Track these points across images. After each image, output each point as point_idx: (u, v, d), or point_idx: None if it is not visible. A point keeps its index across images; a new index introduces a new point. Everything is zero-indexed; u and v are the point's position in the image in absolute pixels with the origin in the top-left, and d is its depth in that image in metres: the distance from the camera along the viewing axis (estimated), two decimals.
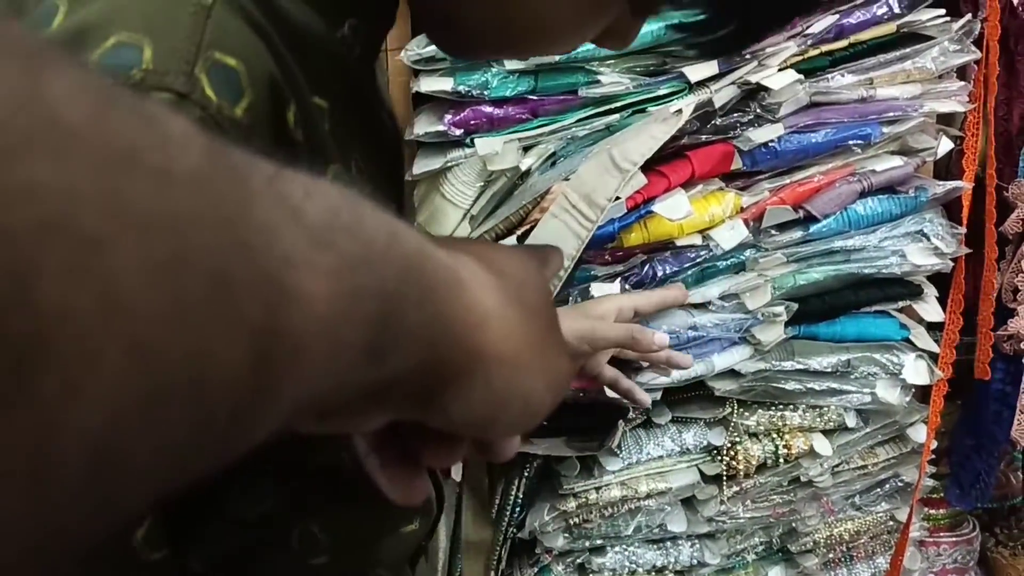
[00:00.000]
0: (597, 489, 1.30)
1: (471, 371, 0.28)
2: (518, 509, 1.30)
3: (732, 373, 1.31)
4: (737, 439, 1.35)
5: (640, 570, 1.38)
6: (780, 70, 1.20)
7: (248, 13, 0.35)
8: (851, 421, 1.39)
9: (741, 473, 1.35)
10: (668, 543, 1.40)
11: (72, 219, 0.15)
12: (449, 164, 1.16)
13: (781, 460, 1.36)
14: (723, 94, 1.18)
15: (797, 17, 0.53)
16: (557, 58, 1.12)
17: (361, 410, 0.28)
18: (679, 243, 1.22)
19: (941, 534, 1.66)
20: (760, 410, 1.36)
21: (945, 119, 1.38)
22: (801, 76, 1.21)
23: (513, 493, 1.29)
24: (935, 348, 1.39)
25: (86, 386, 0.15)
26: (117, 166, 0.16)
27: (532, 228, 1.14)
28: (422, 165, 1.18)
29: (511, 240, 1.15)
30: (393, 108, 0.53)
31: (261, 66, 0.34)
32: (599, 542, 1.36)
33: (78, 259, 0.15)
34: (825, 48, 1.24)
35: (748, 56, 1.20)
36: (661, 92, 1.19)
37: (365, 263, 0.22)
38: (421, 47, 1.11)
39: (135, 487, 0.17)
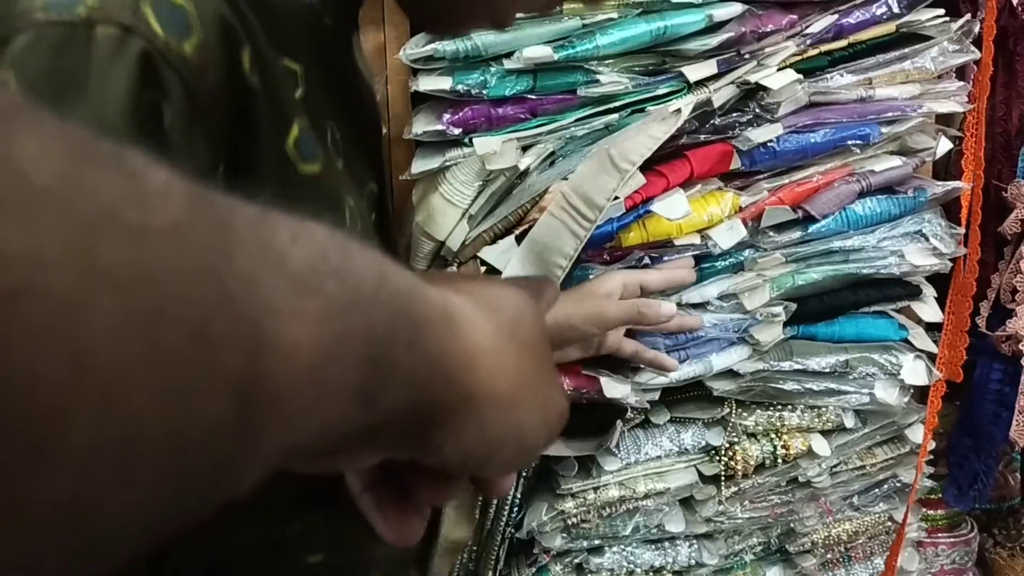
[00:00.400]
0: (595, 489, 1.30)
1: (464, 411, 0.28)
2: (516, 509, 1.30)
3: (730, 373, 1.31)
4: (735, 439, 1.35)
5: (638, 570, 1.38)
6: (779, 70, 1.20)
7: None
8: (849, 421, 1.39)
9: (739, 473, 1.35)
10: (666, 543, 1.40)
11: (41, 285, 0.14)
12: (447, 163, 1.16)
13: (779, 460, 1.36)
14: (722, 94, 1.18)
15: None
16: (556, 57, 1.12)
17: (352, 451, 0.27)
18: (678, 243, 1.22)
19: (939, 535, 1.66)
20: (758, 410, 1.36)
21: (944, 119, 1.37)
22: (800, 76, 1.21)
23: (511, 493, 1.28)
24: (933, 349, 1.39)
25: (53, 448, 0.15)
26: (91, 227, 0.15)
27: (530, 227, 1.14)
28: (420, 164, 1.17)
29: (509, 239, 1.15)
30: (374, 87, 0.53)
31: (211, 6, 0.33)
32: (597, 542, 1.36)
33: (46, 324, 0.14)
34: (824, 48, 1.24)
35: (747, 56, 1.20)
36: (660, 92, 1.19)
37: (353, 307, 0.22)
38: (420, 46, 1.11)
39: (113, 541, 0.17)
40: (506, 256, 1.14)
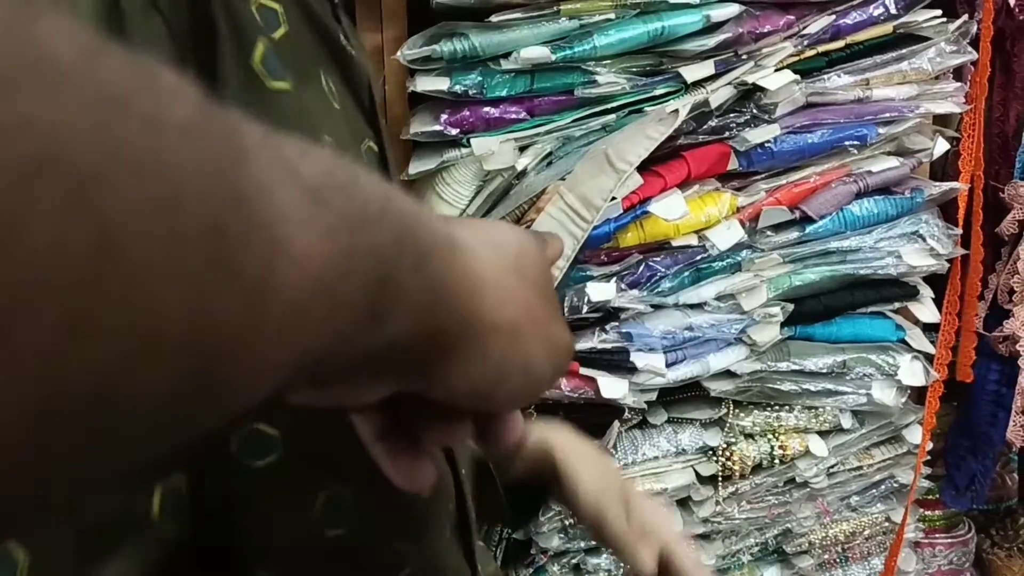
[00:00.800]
0: None
1: (468, 339, 0.28)
2: None
3: (728, 374, 1.31)
4: (733, 440, 1.35)
5: None
6: (776, 70, 1.20)
7: None
8: (847, 422, 1.39)
9: (737, 474, 1.35)
10: None
11: (66, 156, 0.15)
12: (445, 164, 1.16)
13: (777, 461, 1.36)
14: (719, 94, 1.18)
15: None
16: (554, 58, 1.12)
17: (360, 379, 0.27)
18: (675, 243, 1.22)
19: (937, 535, 1.66)
20: (756, 411, 1.36)
21: (941, 120, 1.38)
22: (797, 76, 1.21)
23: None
24: (931, 349, 1.39)
25: (84, 328, 0.15)
26: (109, 108, 0.16)
27: (528, 228, 1.14)
28: (418, 165, 1.17)
29: None
30: (368, 66, 0.52)
31: None
32: (594, 543, 1.36)
33: (72, 197, 0.15)
34: (821, 49, 1.24)
35: (745, 56, 1.20)
36: (657, 92, 1.19)
37: (361, 224, 0.22)
38: (417, 46, 1.11)
39: (133, 432, 0.17)
40: None
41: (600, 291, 1.18)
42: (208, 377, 0.18)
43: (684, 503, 1.39)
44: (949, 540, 1.66)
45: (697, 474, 1.36)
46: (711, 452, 1.35)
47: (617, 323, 1.22)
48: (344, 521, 0.44)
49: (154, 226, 0.16)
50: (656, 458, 1.33)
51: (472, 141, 1.14)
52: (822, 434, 1.40)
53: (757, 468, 1.37)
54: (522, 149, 1.18)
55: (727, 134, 1.21)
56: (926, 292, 1.39)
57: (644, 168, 1.15)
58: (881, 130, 1.28)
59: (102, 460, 0.17)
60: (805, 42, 1.22)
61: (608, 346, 1.22)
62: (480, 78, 1.13)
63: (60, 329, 0.15)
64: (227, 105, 0.20)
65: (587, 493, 0.66)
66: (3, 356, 0.14)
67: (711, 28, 1.17)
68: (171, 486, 0.38)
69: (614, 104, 1.18)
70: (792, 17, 1.22)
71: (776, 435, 1.37)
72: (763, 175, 1.26)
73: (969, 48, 1.30)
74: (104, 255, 0.15)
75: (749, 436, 1.37)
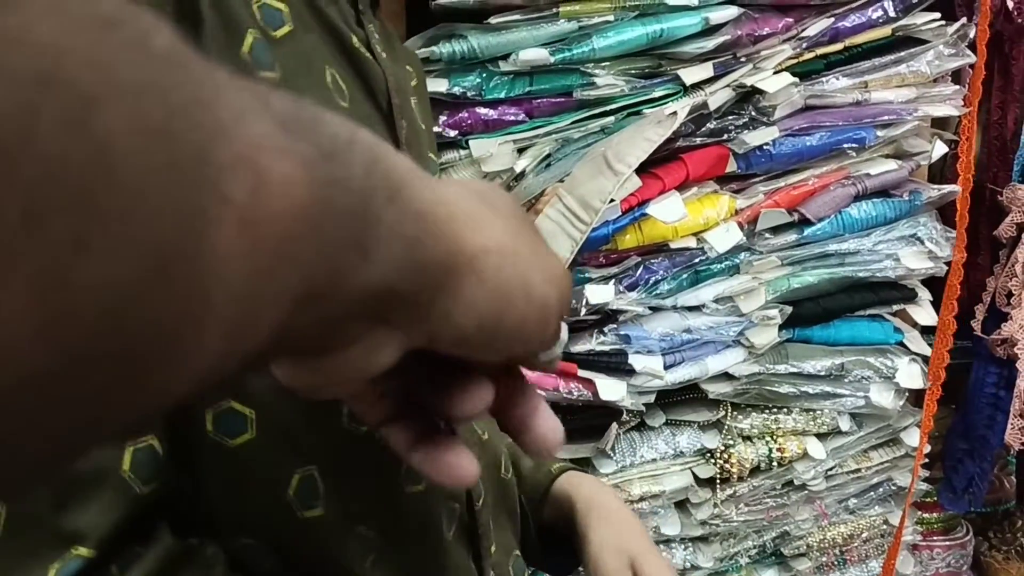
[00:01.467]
0: None
1: (459, 266, 0.28)
2: None
3: (726, 376, 1.31)
4: (731, 442, 1.35)
5: None
6: (775, 73, 1.20)
7: None
8: (844, 424, 1.39)
9: (735, 476, 1.35)
10: (661, 546, 1.40)
11: (65, 74, 0.15)
12: (444, 166, 1.16)
13: (775, 463, 1.36)
14: (718, 97, 1.18)
15: None
16: (552, 60, 1.12)
17: (365, 331, 0.27)
18: (673, 246, 1.22)
19: (934, 538, 1.66)
20: (754, 413, 1.36)
21: (939, 123, 1.38)
22: (796, 79, 1.21)
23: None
24: (928, 352, 1.39)
25: (92, 239, 0.15)
26: (103, 31, 0.16)
27: None
28: None
29: None
30: (395, 72, 0.52)
31: None
32: None
33: (73, 113, 0.15)
34: (820, 51, 1.24)
35: (743, 59, 1.20)
36: (656, 94, 1.19)
37: (332, 156, 0.22)
38: (416, 48, 1.11)
39: (147, 349, 0.17)
40: None
41: (598, 293, 1.18)
42: (209, 305, 0.18)
43: (682, 505, 1.39)
44: (947, 543, 1.66)
45: (695, 476, 1.36)
46: (709, 454, 1.35)
47: (615, 325, 1.22)
48: (319, 502, 0.44)
49: (148, 148, 0.16)
50: (654, 460, 1.33)
51: (471, 143, 1.14)
52: (820, 436, 1.40)
53: (755, 470, 1.37)
54: (520, 151, 1.18)
55: (726, 136, 1.21)
56: (924, 295, 1.39)
57: (643, 170, 1.15)
58: (879, 133, 1.28)
59: (106, 395, 0.17)
60: (804, 45, 1.22)
61: (606, 348, 1.21)
62: (479, 80, 1.13)
63: (64, 241, 0.15)
64: None
65: (591, 544, 0.65)
66: (9, 269, 0.14)
67: (710, 30, 1.17)
68: (146, 443, 0.39)
69: (613, 106, 1.18)
70: (791, 20, 1.22)
71: (774, 437, 1.37)
72: (762, 177, 1.26)
73: (967, 51, 1.30)
74: (104, 172, 0.15)
75: (747, 438, 1.37)
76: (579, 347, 1.20)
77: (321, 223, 0.21)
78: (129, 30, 0.17)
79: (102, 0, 0.17)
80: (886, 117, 1.27)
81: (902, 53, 1.28)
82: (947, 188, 1.34)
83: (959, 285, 1.39)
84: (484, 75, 1.13)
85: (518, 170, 1.16)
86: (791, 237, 1.27)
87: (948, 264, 1.38)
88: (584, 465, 1.30)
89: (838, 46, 1.25)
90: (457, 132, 1.15)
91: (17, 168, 0.14)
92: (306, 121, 0.22)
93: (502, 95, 1.14)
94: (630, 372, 1.23)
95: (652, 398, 1.29)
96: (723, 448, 1.34)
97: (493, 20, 1.10)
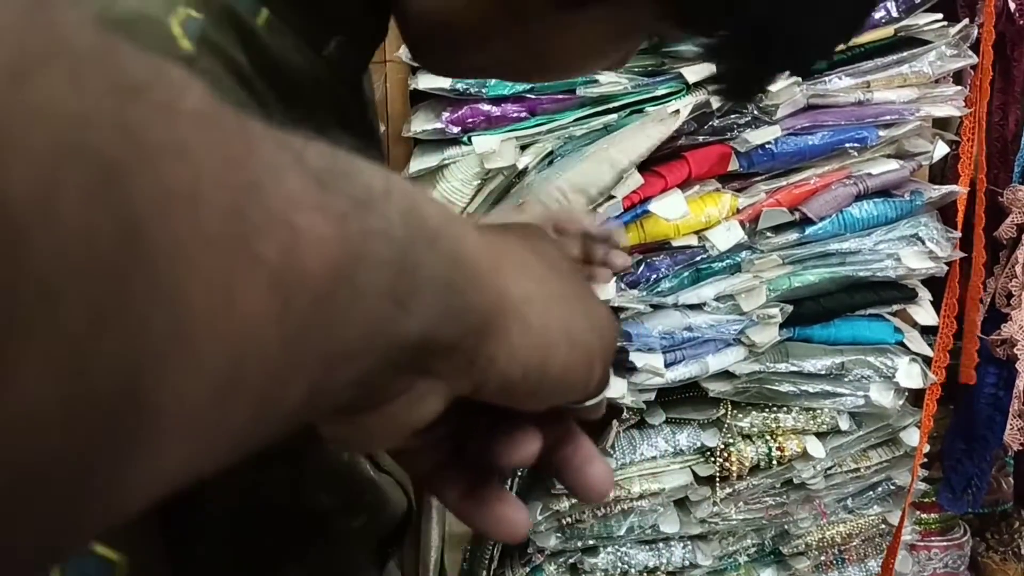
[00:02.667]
0: None
1: (501, 313, 0.27)
2: None
3: (726, 374, 1.32)
4: (730, 440, 1.35)
5: (632, 570, 1.38)
6: None
7: (229, 57, 0.35)
8: (844, 424, 1.40)
9: (734, 474, 1.35)
10: (660, 544, 1.40)
11: (90, 143, 0.15)
12: (446, 162, 1.16)
13: (774, 462, 1.37)
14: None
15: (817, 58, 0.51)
16: None
17: (407, 384, 0.26)
18: (675, 243, 1.22)
19: (932, 538, 1.66)
20: (754, 412, 1.36)
21: (941, 123, 1.38)
22: (798, 78, 1.21)
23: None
24: (928, 352, 1.39)
25: (111, 315, 0.15)
26: (128, 95, 0.16)
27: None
28: (419, 162, 1.17)
29: None
30: (377, 119, 0.53)
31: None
32: (591, 542, 1.36)
33: (98, 184, 0.15)
34: None
35: None
36: (659, 92, 1.19)
37: (368, 206, 0.22)
38: None
39: (163, 446, 0.16)
40: None
41: (599, 290, 1.18)
42: (239, 377, 0.18)
43: (681, 503, 1.39)
44: (945, 543, 1.66)
45: (695, 474, 1.36)
46: (709, 453, 1.35)
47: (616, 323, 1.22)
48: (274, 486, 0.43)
49: (177, 212, 0.16)
50: (654, 458, 1.33)
51: (473, 139, 1.14)
52: (820, 435, 1.40)
53: (755, 469, 1.37)
54: (523, 148, 1.18)
55: (728, 135, 1.21)
56: (924, 295, 1.40)
57: (645, 168, 1.16)
58: (881, 133, 1.28)
59: (127, 467, 0.16)
60: None
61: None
62: None
63: (87, 318, 0.14)
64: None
65: None
66: (31, 346, 0.14)
67: None
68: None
69: (615, 104, 1.18)
70: None
71: (774, 436, 1.37)
72: (763, 176, 1.27)
73: (969, 52, 1.31)
74: (130, 242, 0.15)
75: (747, 437, 1.37)
76: None
77: (356, 278, 0.21)
78: (157, 92, 0.16)
79: (127, 64, 0.16)
80: (888, 117, 1.28)
81: (904, 53, 1.28)
82: (948, 188, 1.35)
83: (980, 284, 1.39)
84: None
85: (521, 167, 1.16)
86: (792, 236, 1.27)
87: (948, 264, 1.38)
88: None
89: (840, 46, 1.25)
90: (460, 128, 1.15)
91: (33, 245, 0.14)
92: (341, 172, 0.22)
93: (505, 92, 1.14)
94: (631, 370, 1.23)
95: (652, 396, 1.29)
96: (723, 446, 1.34)
97: None
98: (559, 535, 1.32)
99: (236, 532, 0.40)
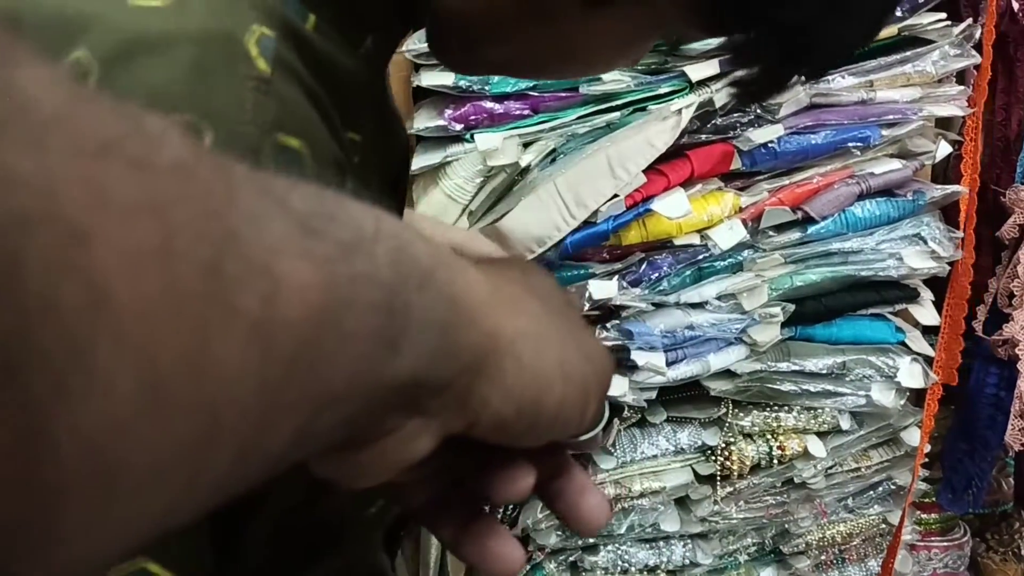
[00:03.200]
0: None
1: (495, 351, 0.27)
2: (511, 506, 1.30)
3: (728, 373, 1.32)
4: (731, 439, 1.35)
5: (632, 569, 1.38)
6: None
7: (300, 77, 0.34)
8: (845, 423, 1.40)
9: (735, 473, 1.35)
10: (661, 542, 1.40)
11: (52, 210, 0.14)
12: (448, 159, 1.16)
13: (775, 461, 1.37)
14: (724, 94, 1.18)
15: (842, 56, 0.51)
16: None
17: (399, 424, 0.26)
18: (677, 242, 1.22)
19: (932, 538, 1.66)
20: (755, 411, 1.36)
21: (944, 123, 1.38)
22: (802, 77, 1.21)
23: None
24: (930, 352, 1.39)
25: (75, 384, 0.14)
26: (95, 156, 0.15)
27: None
28: (421, 160, 1.17)
29: None
30: (398, 110, 0.52)
31: (322, 145, 0.33)
32: (592, 540, 1.36)
33: (60, 252, 0.14)
34: None
35: None
36: (662, 91, 1.19)
37: (356, 249, 0.22)
38: (422, 41, 1.11)
39: (137, 500, 0.16)
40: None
41: (601, 288, 1.18)
42: (217, 430, 0.17)
43: (682, 502, 1.39)
44: (945, 543, 1.66)
45: (695, 473, 1.36)
46: (710, 451, 1.35)
47: (618, 321, 1.22)
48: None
49: (146, 275, 0.15)
50: (655, 457, 1.33)
51: (476, 137, 1.14)
52: (821, 435, 1.40)
53: (755, 468, 1.37)
54: (526, 145, 1.18)
55: (731, 134, 1.21)
56: (926, 295, 1.39)
57: (647, 167, 1.15)
58: (884, 132, 1.28)
59: (100, 528, 0.16)
60: None
61: (609, 344, 1.21)
62: None
63: (50, 390, 0.14)
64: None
65: None
66: None
67: None
68: None
69: (618, 102, 1.18)
70: None
71: (775, 435, 1.37)
72: (766, 175, 1.27)
73: (972, 52, 1.30)
74: (97, 308, 0.15)
75: (748, 436, 1.37)
76: None
77: (343, 323, 0.20)
78: (130, 147, 0.16)
79: (96, 122, 0.16)
80: (891, 116, 1.27)
81: (908, 53, 1.28)
82: (950, 188, 1.35)
83: (968, 285, 1.39)
84: None
85: (523, 164, 1.16)
86: (794, 235, 1.27)
87: (951, 264, 1.38)
88: (584, 461, 1.30)
89: None
90: (462, 126, 1.15)
91: None
92: (328, 216, 0.21)
93: (508, 89, 1.14)
94: (632, 368, 1.23)
95: (654, 394, 1.29)
96: (724, 445, 1.34)
97: None
98: (559, 533, 1.32)
99: (283, 539, 0.40)
